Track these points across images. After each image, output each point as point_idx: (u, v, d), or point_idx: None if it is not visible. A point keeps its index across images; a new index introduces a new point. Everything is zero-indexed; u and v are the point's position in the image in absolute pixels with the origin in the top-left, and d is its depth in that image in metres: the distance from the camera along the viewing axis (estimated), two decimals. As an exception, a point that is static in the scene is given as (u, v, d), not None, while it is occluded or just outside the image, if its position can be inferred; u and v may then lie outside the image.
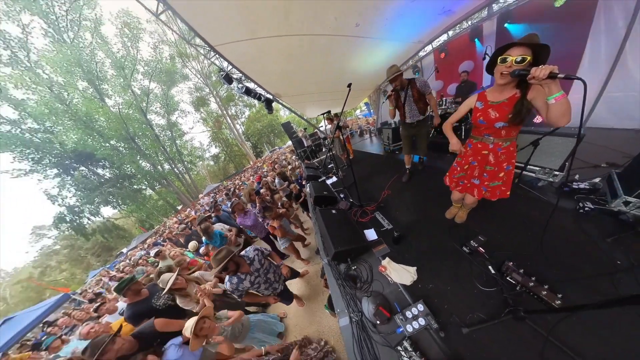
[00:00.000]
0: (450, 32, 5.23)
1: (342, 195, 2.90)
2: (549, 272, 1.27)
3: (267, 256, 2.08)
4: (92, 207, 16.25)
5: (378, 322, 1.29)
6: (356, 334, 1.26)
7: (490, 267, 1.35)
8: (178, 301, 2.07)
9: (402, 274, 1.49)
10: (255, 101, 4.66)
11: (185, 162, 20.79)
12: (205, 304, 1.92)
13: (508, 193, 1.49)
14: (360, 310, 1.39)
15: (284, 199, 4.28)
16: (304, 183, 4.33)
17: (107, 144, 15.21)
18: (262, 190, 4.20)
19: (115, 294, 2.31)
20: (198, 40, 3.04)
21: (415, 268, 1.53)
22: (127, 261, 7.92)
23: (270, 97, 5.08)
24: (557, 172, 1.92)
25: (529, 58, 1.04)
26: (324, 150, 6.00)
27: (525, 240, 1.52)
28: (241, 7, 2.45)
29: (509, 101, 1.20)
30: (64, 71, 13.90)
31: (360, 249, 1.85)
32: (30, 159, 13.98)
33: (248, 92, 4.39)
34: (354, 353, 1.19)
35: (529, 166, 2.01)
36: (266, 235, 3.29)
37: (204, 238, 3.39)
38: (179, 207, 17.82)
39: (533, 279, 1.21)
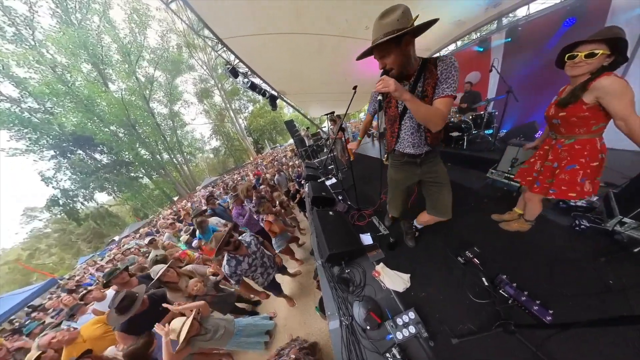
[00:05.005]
0: (459, 42, 5.33)
1: (340, 197, 2.88)
2: (540, 287, 1.26)
3: (261, 243, 2.12)
4: (87, 192, 16.00)
5: (368, 327, 1.28)
6: (345, 338, 1.25)
7: (483, 279, 1.34)
8: (168, 295, 2.02)
9: (395, 280, 1.49)
10: (260, 97, 4.69)
11: (185, 153, 20.67)
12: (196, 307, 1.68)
13: (573, 195, 1.25)
14: (351, 314, 1.38)
15: (283, 197, 4.18)
16: (302, 182, 4.26)
17: (107, 129, 14.93)
18: (261, 187, 4.29)
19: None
20: (207, 32, 3.01)
21: (409, 275, 1.52)
22: (119, 249, 7.88)
23: (275, 94, 5.06)
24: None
25: (601, 51, 1.00)
26: (325, 150, 6.00)
27: (518, 255, 1.50)
28: (253, 1, 2.43)
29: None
30: (69, 53, 13.80)
31: (354, 252, 1.83)
32: (27, 139, 13.73)
33: (253, 87, 4.39)
34: (342, 357, 1.18)
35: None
36: (259, 232, 3.24)
37: (197, 232, 3.32)
38: (175, 198, 17.62)
39: (525, 293, 1.20)
